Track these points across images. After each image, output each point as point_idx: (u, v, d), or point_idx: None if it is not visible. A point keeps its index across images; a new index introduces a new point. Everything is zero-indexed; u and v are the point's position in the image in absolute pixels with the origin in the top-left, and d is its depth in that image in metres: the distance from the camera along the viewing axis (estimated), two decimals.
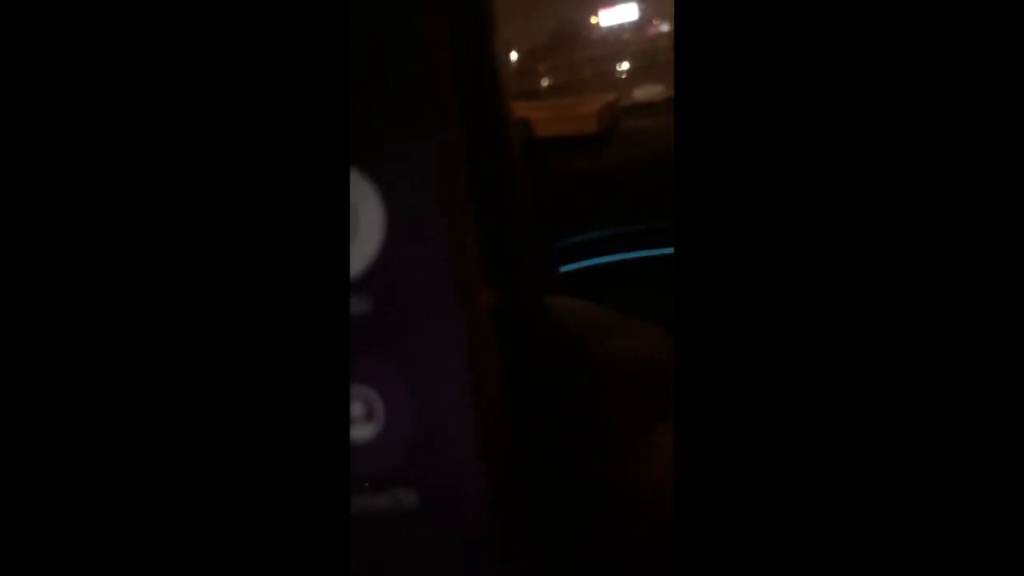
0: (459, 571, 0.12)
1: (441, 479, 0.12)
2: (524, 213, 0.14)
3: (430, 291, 0.12)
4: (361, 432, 0.12)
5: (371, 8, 0.12)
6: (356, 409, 0.12)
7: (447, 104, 0.12)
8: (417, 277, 0.12)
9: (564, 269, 0.82)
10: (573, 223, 0.84)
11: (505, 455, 0.12)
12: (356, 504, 0.12)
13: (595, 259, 0.83)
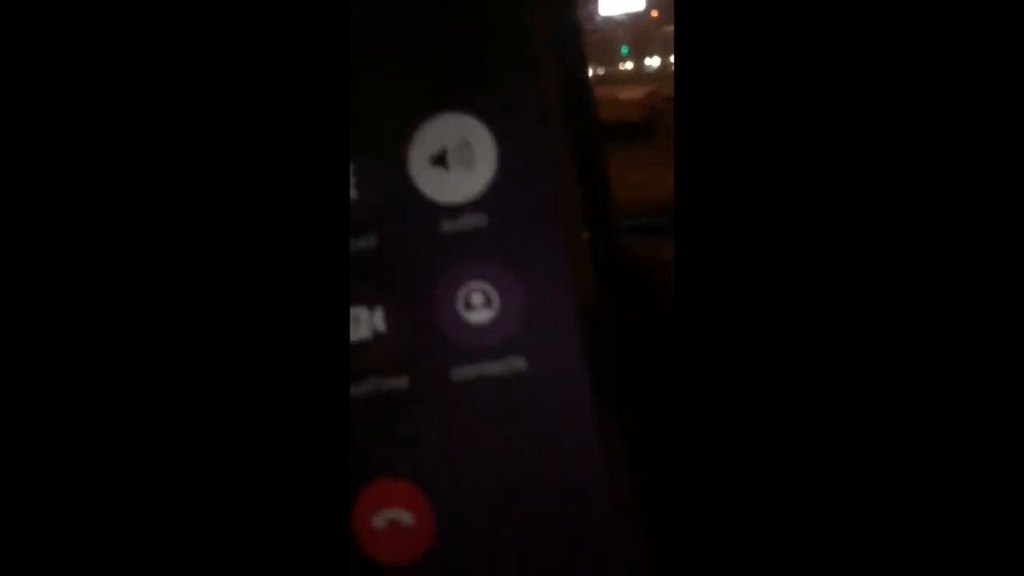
0: (561, 426, 0.16)
1: (544, 350, 0.16)
2: (604, 166, 0.18)
3: (533, 207, 0.16)
4: (480, 316, 0.16)
5: None
6: (477, 299, 0.16)
7: (545, 64, 0.16)
8: (523, 196, 0.16)
9: None
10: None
11: (596, 333, 0.16)
12: (473, 371, 0.16)
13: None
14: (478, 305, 0.16)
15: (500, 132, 0.16)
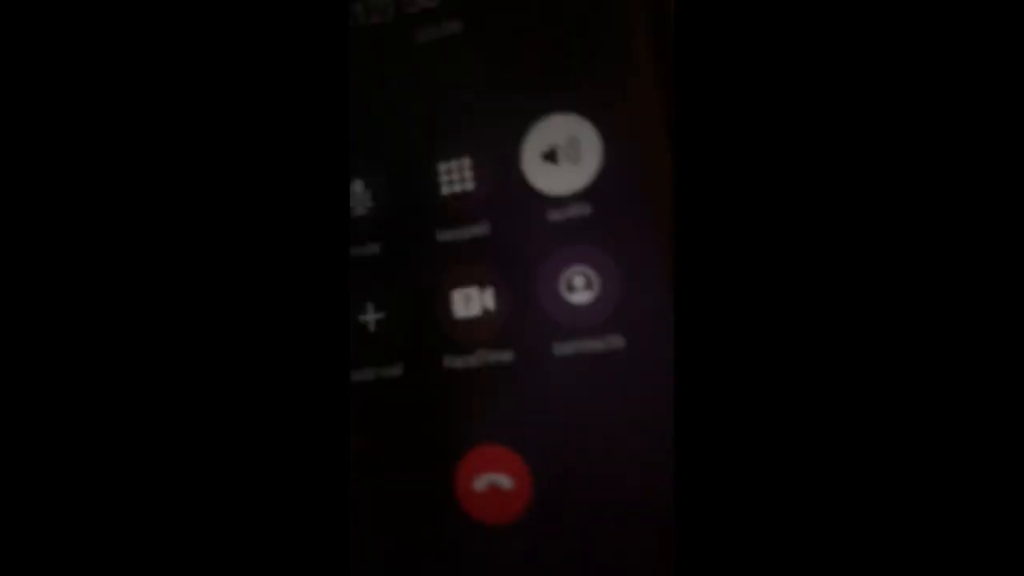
0: (654, 399, 0.17)
1: (640, 330, 0.17)
2: None
3: (633, 199, 0.17)
4: (582, 297, 0.18)
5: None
6: (579, 281, 0.18)
7: (643, 67, 0.18)
8: (624, 189, 0.17)
9: None
10: None
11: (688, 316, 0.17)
12: (573, 347, 0.17)
13: None
14: (579, 287, 0.18)
15: (605, 131, 0.18)
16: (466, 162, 0.18)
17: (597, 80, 0.18)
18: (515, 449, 0.17)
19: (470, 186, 0.18)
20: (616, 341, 0.17)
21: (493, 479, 0.18)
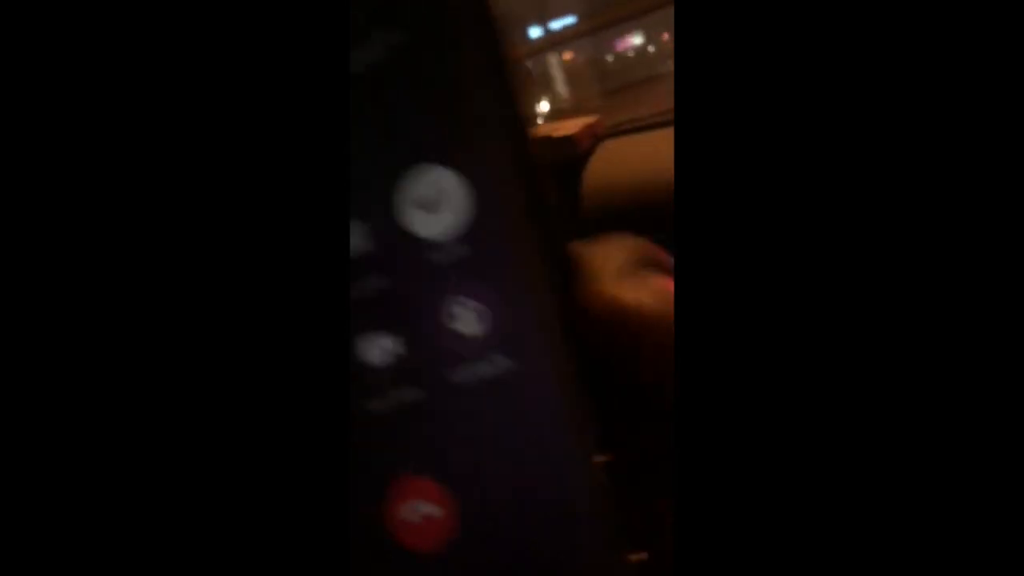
0: (546, 417, 0.19)
1: (524, 350, 0.19)
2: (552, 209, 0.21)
3: (501, 240, 0.19)
4: (473, 328, 0.19)
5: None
6: (469, 316, 0.19)
7: (494, 117, 0.19)
8: (495, 230, 0.19)
9: None
10: None
11: (563, 334, 0.19)
12: (470, 373, 0.19)
13: None
14: (471, 320, 0.19)
15: (473, 180, 0.19)
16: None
17: (459, 134, 0.19)
18: (436, 478, 0.19)
19: (357, 242, 0.20)
20: (505, 363, 0.19)
21: (421, 508, 0.19)
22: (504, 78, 0.20)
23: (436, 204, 0.19)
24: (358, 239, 0.20)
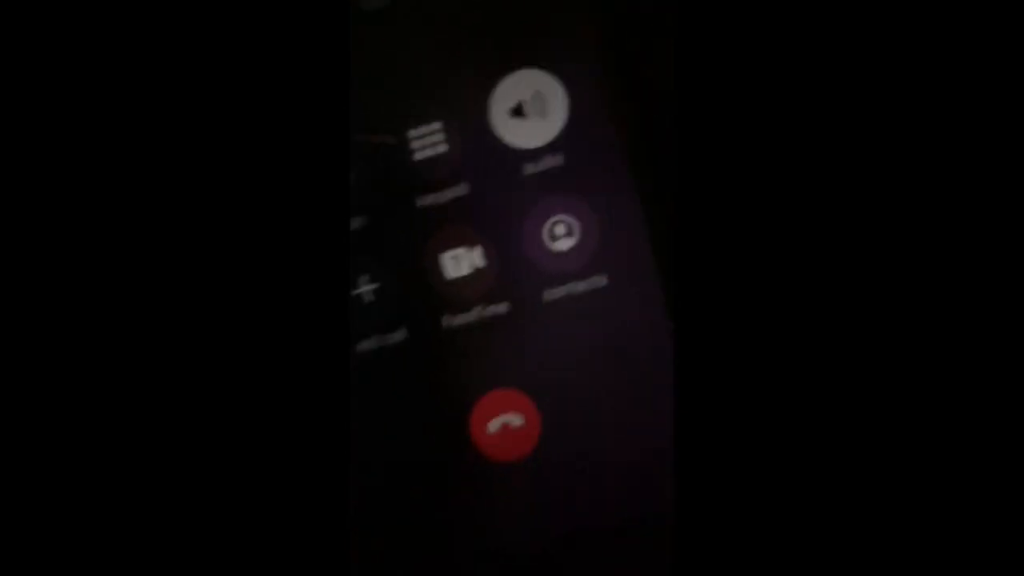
0: (638, 333, 0.19)
1: (621, 268, 0.19)
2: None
3: (602, 146, 0.18)
4: (564, 244, 0.19)
5: None
6: (559, 229, 0.19)
7: (599, 22, 0.18)
8: (593, 137, 0.18)
9: None
10: None
11: (666, 250, 0.19)
12: (563, 291, 0.19)
13: None
14: (561, 235, 0.19)
15: (568, 83, 0.18)
16: (436, 125, 0.19)
17: (557, 34, 0.18)
18: (522, 390, 0.19)
19: (443, 149, 0.19)
20: (599, 281, 0.19)
21: (505, 420, 0.19)
22: None
23: (530, 110, 0.18)
24: (448, 151, 0.19)
